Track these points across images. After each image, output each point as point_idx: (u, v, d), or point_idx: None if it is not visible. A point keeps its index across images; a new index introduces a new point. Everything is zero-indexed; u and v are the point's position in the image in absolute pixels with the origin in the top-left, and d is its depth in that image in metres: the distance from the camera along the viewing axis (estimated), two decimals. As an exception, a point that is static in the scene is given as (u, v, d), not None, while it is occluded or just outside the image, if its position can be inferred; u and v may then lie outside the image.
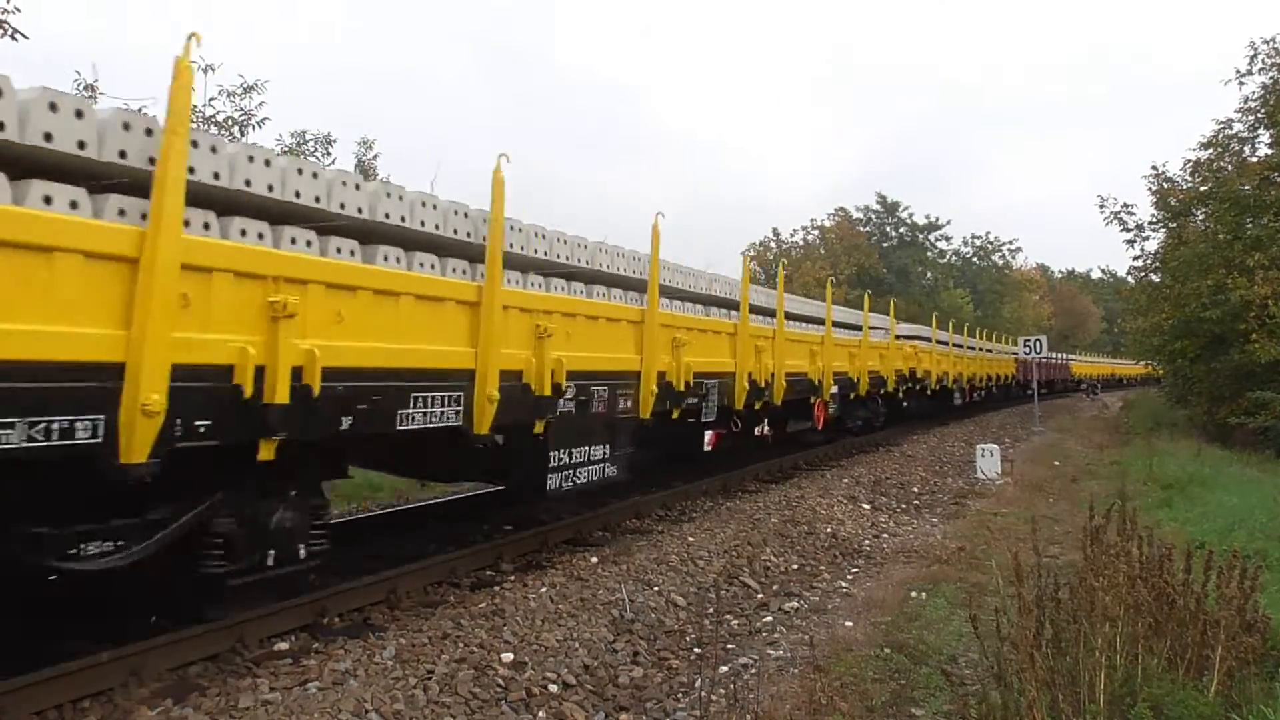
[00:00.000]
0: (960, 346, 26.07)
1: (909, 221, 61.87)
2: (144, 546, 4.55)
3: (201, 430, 4.38)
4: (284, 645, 5.40)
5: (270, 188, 5.03)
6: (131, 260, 4.10)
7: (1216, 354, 20.38)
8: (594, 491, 8.34)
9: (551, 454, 7.22)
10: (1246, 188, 20.17)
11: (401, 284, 5.66)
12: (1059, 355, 46.58)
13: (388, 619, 6.03)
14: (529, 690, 5.00)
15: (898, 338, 19.63)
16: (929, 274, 61.24)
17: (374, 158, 19.38)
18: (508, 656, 5.34)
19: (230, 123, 15.19)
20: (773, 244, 58.00)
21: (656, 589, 7.00)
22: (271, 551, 5.24)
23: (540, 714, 4.80)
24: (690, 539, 8.54)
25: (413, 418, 5.64)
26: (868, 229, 60.22)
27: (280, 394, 4.62)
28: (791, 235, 58.33)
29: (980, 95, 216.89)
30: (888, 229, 61.80)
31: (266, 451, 4.72)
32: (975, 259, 65.83)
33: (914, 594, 7.18)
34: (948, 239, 64.11)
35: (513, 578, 7.04)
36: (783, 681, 5.22)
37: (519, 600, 6.34)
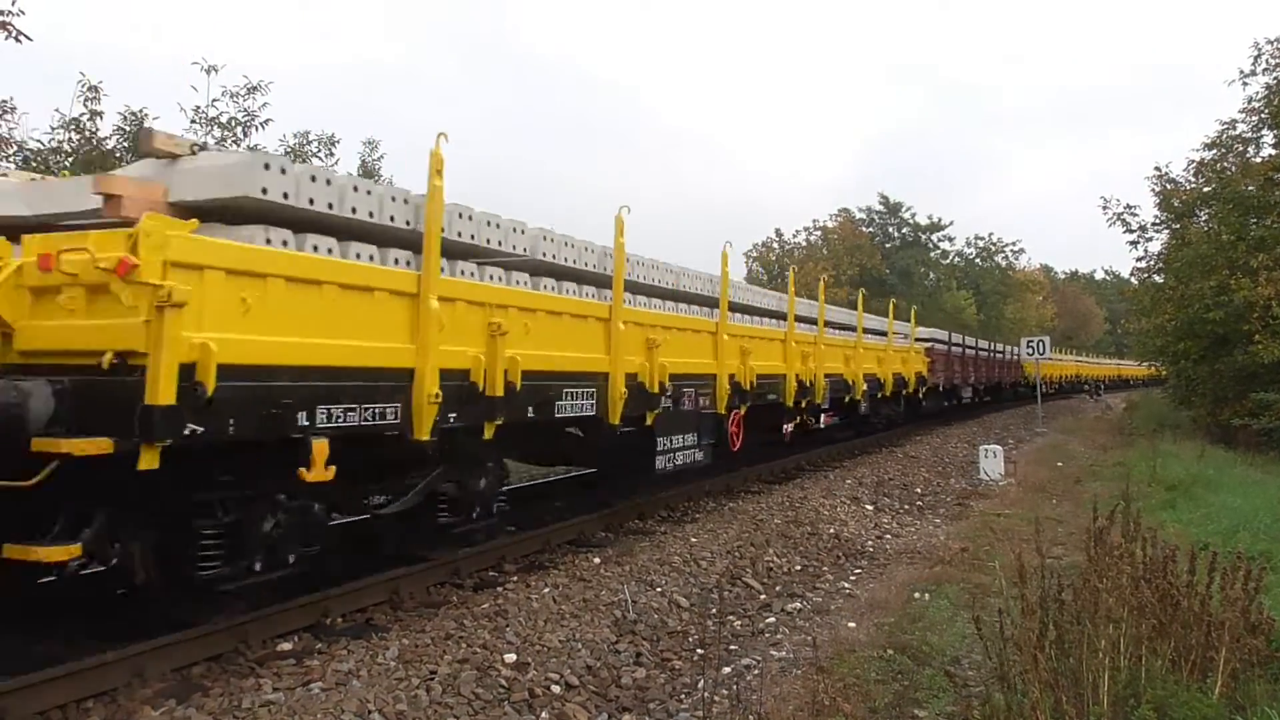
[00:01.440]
0: (754, 314, 12.04)
1: (911, 222, 61.90)
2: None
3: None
4: (287, 646, 5.41)
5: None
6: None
7: (1220, 355, 20.31)
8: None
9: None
10: (1250, 188, 20.11)
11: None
12: (1003, 348, 32.62)
13: (390, 619, 6.03)
14: (532, 691, 5.00)
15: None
16: (931, 275, 61.21)
17: (379, 159, 19.43)
18: (510, 657, 5.34)
19: (234, 123, 15.22)
20: (775, 244, 58.04)
21: (659, 590, 7.00)
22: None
23: (543, 715, 4.80)
24: (693, 540, 8.54)
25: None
26: (870, 229, 60.23)
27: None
28: (794, 236, 58.37)
29: (982, 95, 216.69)
30: (890, 229, 61.84)
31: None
32: (978, 260, 65.78)
33: (917, 595, 7.17)
34: (950, 240, 64.16)
35: (515, 578, 7.04)
36: (785, 682, 5.22)
37: (522, 601, 6.34)
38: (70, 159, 13.56)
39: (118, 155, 13.84)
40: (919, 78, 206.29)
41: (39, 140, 13.95)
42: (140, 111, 14.57)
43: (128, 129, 14.28)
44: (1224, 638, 4.07)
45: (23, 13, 10.11)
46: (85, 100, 13.91)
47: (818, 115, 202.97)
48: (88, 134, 14.02)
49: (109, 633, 5.25)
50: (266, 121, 15.43)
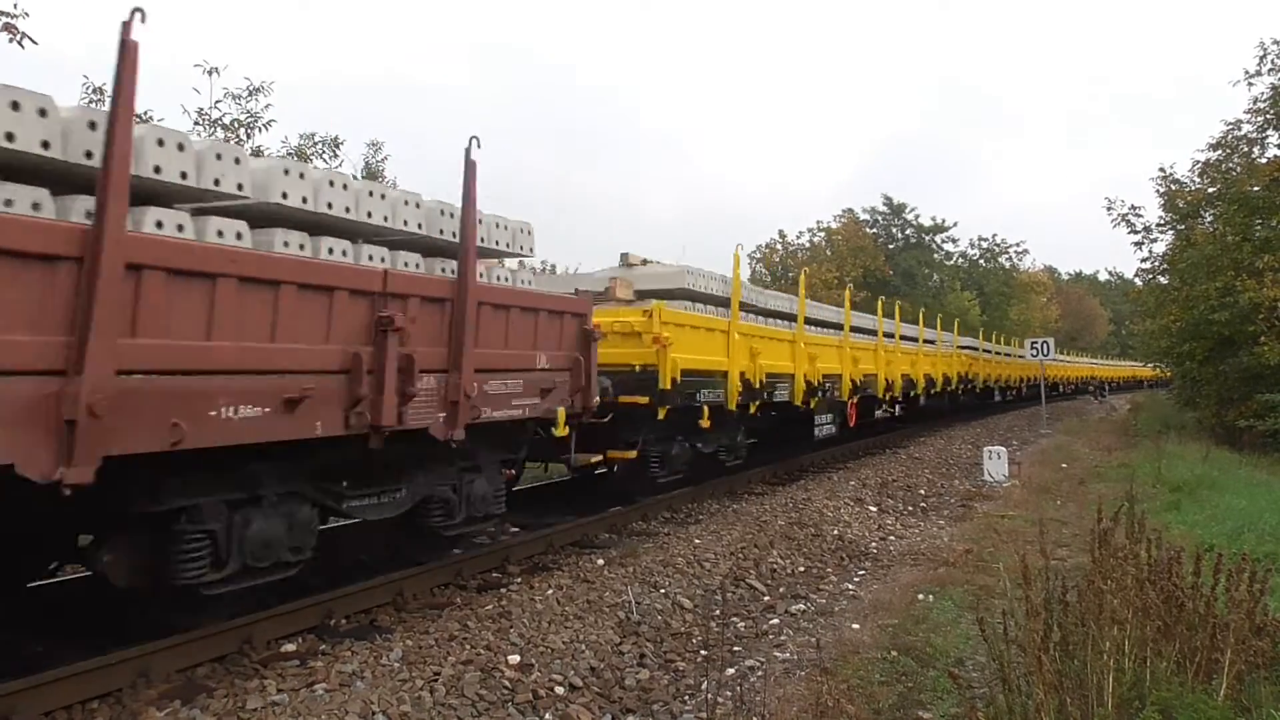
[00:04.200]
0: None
1: (915, 223, 61.72)
2: None
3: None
4: (291, 647, 5.41)
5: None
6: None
7: (1225, 356, 20.29)
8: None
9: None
10: (1255, 189, 20.06)
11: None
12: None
13: (394, 621, 6.04)
14: (536, 692, 5.00)
15: None
16: (935, 276, 61.06)
17: (382, 160, 19.43)
18: (514, 658, 5.34)
19: (236, 125, 15.23)
20: (779, 245, 57.91)
21: (663, 591, 6.99)
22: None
23: (547, 716, 4.80)
24: (697, 541, 8.54)
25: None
26: (874, 230, 60.05)
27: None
28: (798, 238, 58.23)
29: (985, 95, 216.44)
30: (894, 230, 61.66)
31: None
32: (982, 261, 65.56)
33: (921, 596, 7.16)
34: (954, 241, 63.87)
35: (519, 580, 7.05)
36: (789, 684, 5.21)
37: (525, 602, 6.34)
38: None
39: None
40: (924, 80, 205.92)
41: None
42: (146, 114, 14.59)
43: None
44: (1229, 640, 4.05)
45: (27, 14, 10.10)
46: (91, 103, 13.94)
47: (823, 118, 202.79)
48: None
49: (113, 633, 5.26)
50: (269, 123, 15.44)
